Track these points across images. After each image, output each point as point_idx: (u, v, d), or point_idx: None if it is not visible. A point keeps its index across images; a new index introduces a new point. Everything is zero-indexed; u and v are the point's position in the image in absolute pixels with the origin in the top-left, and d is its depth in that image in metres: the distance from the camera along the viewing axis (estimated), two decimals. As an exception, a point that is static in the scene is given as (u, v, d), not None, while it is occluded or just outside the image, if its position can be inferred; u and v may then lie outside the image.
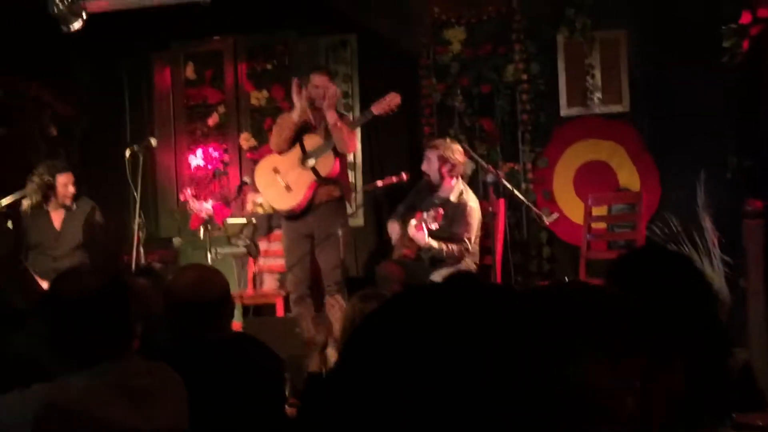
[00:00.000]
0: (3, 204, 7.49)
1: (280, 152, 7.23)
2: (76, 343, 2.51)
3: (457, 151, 7.11)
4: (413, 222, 6.84)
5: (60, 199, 7.46)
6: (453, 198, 7.08)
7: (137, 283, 4.10)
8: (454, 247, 6.92)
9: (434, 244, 6.85)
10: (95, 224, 7.50)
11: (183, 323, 3.29)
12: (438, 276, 6.78)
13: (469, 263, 7.06)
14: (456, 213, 7.01)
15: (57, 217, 7.50)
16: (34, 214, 7.47)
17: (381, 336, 1.49)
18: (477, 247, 7.17)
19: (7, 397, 2.44)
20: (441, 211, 6.73)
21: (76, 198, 7.53)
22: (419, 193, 7.28)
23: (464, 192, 7.14)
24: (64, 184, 7.44)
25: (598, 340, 1.50)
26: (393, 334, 1.47)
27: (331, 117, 6.99)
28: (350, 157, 8.26)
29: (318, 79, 7.15)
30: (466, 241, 6.96)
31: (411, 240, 6.95)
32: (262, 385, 3.35)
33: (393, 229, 7.28)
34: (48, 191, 7.41)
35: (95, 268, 4.44)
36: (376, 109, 7.11)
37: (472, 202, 7.10)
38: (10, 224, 7.45)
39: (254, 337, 3.63)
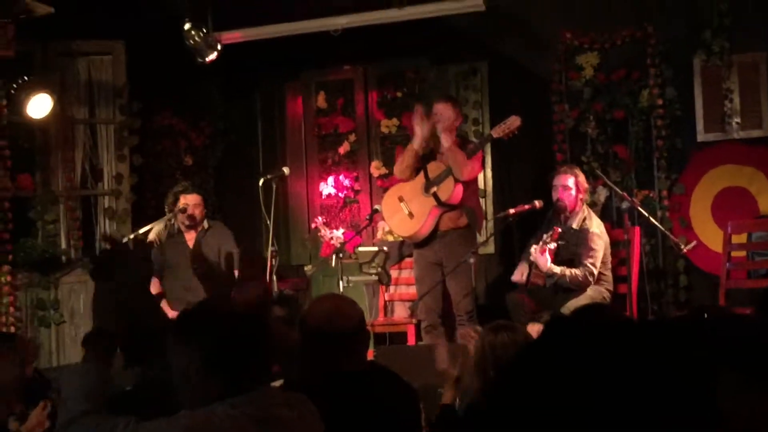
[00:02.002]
0: (141, 232, 7.66)
1: (403, 179, 7.30)
2: (223, 369, 2.50)
3: (584, 179, 7.14)
4: (535, 246, 6.77)
5: (186, 220, 7.58)
6: (575, 225, 7.00)
7: (274, 313, 4.14)
8: (577, 272, 6.81)
9: (556, 269, 6.78)
10: (229, 251, 7.60)
11: (319, 354, 3.26)
12: (571, 306, 6.68)
13: (601, 290, 6.93)
14: (578, 239, 6.94)
15: (191, 239, 7.65)
16: (169, 237, 7.63)
17: (531, 376, 1.47)
18: (610, 275, 7.04)
19: (154, 424, 2.46)
20: (558, 229, 6.67)
21: (210, 223, 7.65)
22: (548, 225, 7.19)
23: (587, 218, 7.06)
24: (192, 204, 7.56)
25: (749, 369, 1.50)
26: (544, 374, 1.45)
27: (445, 141, 6.99)
28: (481, 184, 8.22)
29: (438, 107, 7.15)
30: (589, 266, 6.83)
31: (540, 269, 6.87)
32: (398, 416, 3.32)
33: (520, 272, 7.20)
34: (179, 214, 7.54)
35: (232, 295, 4.47)
36: (496, 132, 7.08)
37: (595, 227, 7.02)
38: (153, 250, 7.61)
39: (387, 367, 3.60)
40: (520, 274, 7.19)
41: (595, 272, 6.87)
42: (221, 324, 2.52)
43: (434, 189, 7.05)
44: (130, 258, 4.01)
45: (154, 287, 7.46)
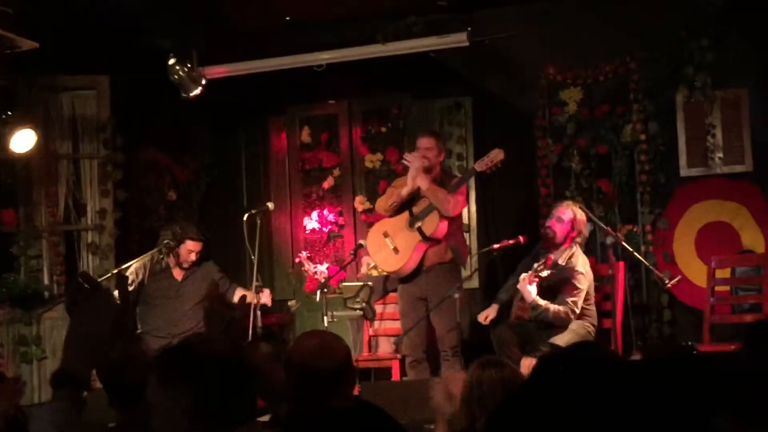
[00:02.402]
0: (123, 268, 7.63)
1: (383, 215, 7.32)
2: (203, 411, 2.48)
3: (584, 221, 7.12)
4: (524, 275, 6.76)
5: (181, 262, 7.61)
6: (561, 261, 6.99)
7: (258, 349, 4.11)
8: (560, 308, 6.81)
9: (541, 302, 6.77)
10: (217, 289, 7.58)
11: (304, 391, 3.23)
12: (558, 341, 6.68)
13: (585, 325, 6.93)
14: (563, 275, 6.92)
15: (179, 274, 7.66)
16: (156, 269, 7.64)
17: (525, 418, 1.46)
18: (594, 310, 7.05)
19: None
20: (552, 257, 6.67)
21: (200, 263, 7.65)
22: (533, 259, 7.18)
23: (574, 256, 7.04)
24: (189, 250, 7.58)
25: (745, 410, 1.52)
26: (538, 415, 1.45)
27: (422, 183, 6.97)
28: (465, 219, 8.22)
29: (421, 142, 7.17)
30: (571, 303, 6.84)
31: (524, 300, 6.87)
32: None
33: (484, 315, 7.22)
34: (173, 251, 7.54)
35: (216, 333, 4.45)
36: (479, 165, 7.08)
37: (581, 266, 7.01)
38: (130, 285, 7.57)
39: (374, 404, 3.57)
40: (483, 317, 7.20)
41: (577, 311, 6.88)
42: (206, 366, 2.50)
43: (419, 224, 7.04)
44: (102, 295, 3.98)
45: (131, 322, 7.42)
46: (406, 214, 7.16)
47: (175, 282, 7.62)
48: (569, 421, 1.41)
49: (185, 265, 7.61)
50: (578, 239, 7.11)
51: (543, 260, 6.68)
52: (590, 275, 7.04)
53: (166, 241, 7.58)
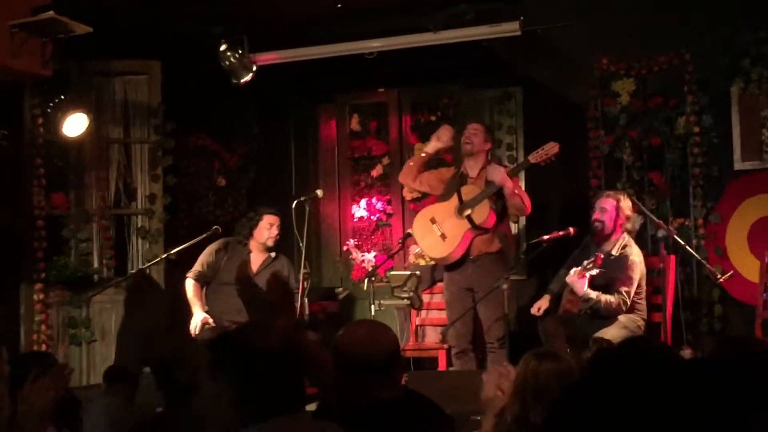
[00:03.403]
0: (173, 253, 7.67)
1: (406, 184, 7.60)
2: (255, 398, 2.48)
3: (629, 207, 6.97)
4: (574, 269, 6.69)
5: (262, 239, 7.51)
6: (615, 251, 6.91)
7: (307, 337, 4.11)
8: (611, 299, 6.70)
9: (592, 294, 6.65)
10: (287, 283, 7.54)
11: (353, 381, 3.22)
12: (606, 334, 6.61)
13: (635, 319, 6.84)
14: (617, 265, 6.84)
15: (256, 261, 7.56)
16: (234, 252, 7.55)
17: (579, 415, 1.45)
18: (644, 304, 6.95)
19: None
20: (600, 255, 6.59)
21: (276, 254, 7.58)
22: (583, 251, 7.12)
23: (628, 246, 6.95)
24: (270, 224, 7.49)
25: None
26: (592, 413, 1.43)
27: (504, 181, 6.95)
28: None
29: (470, 126, 7.24)
30: (624, 293, 6.74)
31: (574, 294, 6.80)
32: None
33: (537, 306, 7.15)
34: (252, 231, 7.50)
35: (269, 320, 4.45)
36: (534, 158, 7.05)
37: (635, 255, 6.90)
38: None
39: (422, 394, 3.55)
40: (536, 309, 7.13)
41: (629, 301, 6.79)
42: (258, 357, 2.49)
43: (468, 212, 7.01)
44: (155, 291, 4.00)
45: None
46: (454, 201, 7.13)
47: (251, 272, 7.51)
48: (629, 418, 1.40)
49: (270, 243, 7.48)
50: (627, 225, 7.00)
51: (593, 258, 6.60)
52: (643, 266, 6.93)
53: (253, 215, 7.54)
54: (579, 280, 6.64)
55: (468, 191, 7.11)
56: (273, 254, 7.54)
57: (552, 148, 6.98)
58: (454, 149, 7.67)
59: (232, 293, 7.41)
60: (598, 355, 1.70)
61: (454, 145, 7.46)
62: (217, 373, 2.45)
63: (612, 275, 6.80)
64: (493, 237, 7.09)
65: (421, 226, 7.30)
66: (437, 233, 7.14)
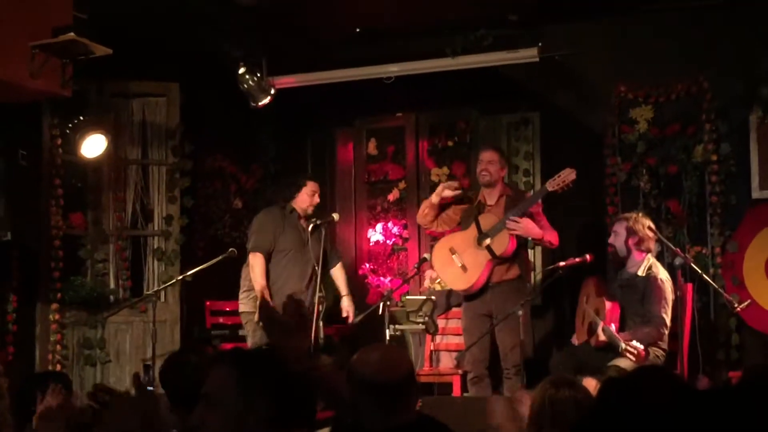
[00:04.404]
0: (189, 275, 7.67)
1: (425, 226, 7.55)
2: (261, 420, 2.43)
3: (646, 225, 6.87)
4: (604, 328, 6.50)
5: (304, 205, 7.53)
6: (641, 272, 6.80)
7: (321, 360, 4.09)
8: (646, 330, 6.54)
9: (636, 344, 6.35)
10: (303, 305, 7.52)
11: (368, 405, 3.21)
12: (622, 363, 6.48)
13: (654, 349, 6.70)
14: (646, 288, 6.72)
15: (305, 224, 7.54)
16: (283, 218, 7.54)
17: None
18: (667, 333, 6.75)
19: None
20: (643, 354, 6.40)
21: (319, 221, 7.56)
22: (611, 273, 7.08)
23: (653, 266, 6.82)
24: (312, 192, 7.51)
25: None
26: None
27: (530, 229, 6.98)
28: (530, 236, 8.15)
29: (484, 155, 7.25)
30: (662, 316, 6.59)
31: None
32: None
33: (576, 338, 7.05)
34: (294, 195, 7.52)
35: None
36: (551, 185, 7.03)
37: (662, 274, 6.76)
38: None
39: (436, 419, 3.53)
40: (576, 340, 7.02)
41: (668, 321, 6.63)
42: (287, 378, 2.45)
43: (488, 242, 7.00)
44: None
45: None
46: (473, 230, 7.12)
47: (305, 233, 7.47)
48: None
49: (310, 211, 7.50)
50: (643, 247, 6.89)
51: (635, 351, 6.29)
52: (670, 285, 6.75)
53: (299, 181, 7.57)
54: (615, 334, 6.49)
55: (486, 220, 7.10)
56: (315, 220, 7.53)
57: (569, 174, 6.96)
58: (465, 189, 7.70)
59: (291, 260, 7.44)
60: (607, 384, 1.68)
61: (462, 191, 7.47)
62: (248, 392, 2.38)
63: (646, 303, 6.67)
64: (512, 264, 7.09)
65: (440, 257, 7.29)
66: (458, 264, 7.12)
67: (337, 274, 7.72)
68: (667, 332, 6.66)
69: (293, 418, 2.42)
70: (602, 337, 6.51)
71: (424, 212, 7.44)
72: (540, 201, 7.20)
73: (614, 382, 1.71)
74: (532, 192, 7.79)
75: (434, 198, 7.38)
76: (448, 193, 7.34)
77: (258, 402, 2.36)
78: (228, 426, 2.41)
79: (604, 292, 6.84)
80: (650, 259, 6.87)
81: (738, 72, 7.68)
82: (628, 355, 6.28)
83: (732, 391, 1.69)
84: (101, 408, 3.47)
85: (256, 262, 7.40)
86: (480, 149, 7.56)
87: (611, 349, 6.52)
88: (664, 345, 6.74)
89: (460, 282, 7.16)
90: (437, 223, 7.43)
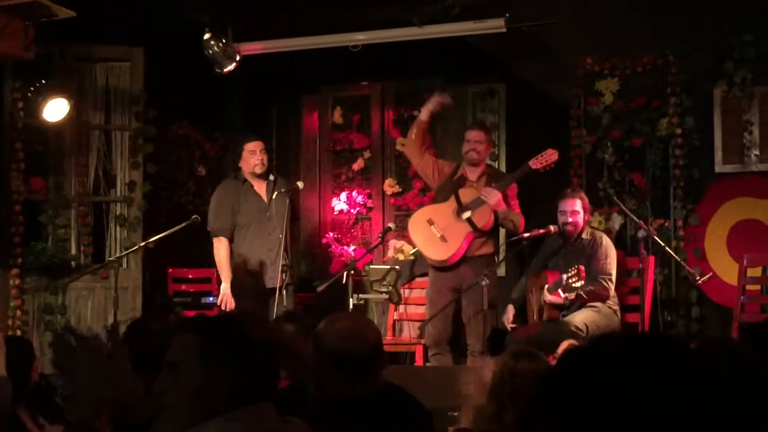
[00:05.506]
0: (151, 242, 7.61)
1: (412, 157, 7.56)
2: (223, 389, 2.37)
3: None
4: (548, 287, 6.66)
5: (249, 169, 7.33)
6: (585, 235, 6.98)
7: (284, 330, 4.07)
8: (593, 288, 6.66)
9: (572, 296, 6.61)
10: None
11: (333, 376, 3.19)
12: (574, 318, 6.59)
13: (611, 304, 6.81)
14: (592, 248, 6.90)
15: (261, 190, 7.38)
16: (238, 190, 7.38)
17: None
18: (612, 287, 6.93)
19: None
20: (582, 267, 6.52)
21: (275, 175, 7.44)
22: (549, 256, 7.13)
23: (596, 230, 7.10)
24: (251, 151, 7.34)
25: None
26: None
27: (497, 202, 6.97)
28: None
29: (471, 134, 7.19)
30: (611, 272, 6.78)
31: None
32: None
33: (507, 319, 7.12)
34: (238, 165, 7.45)
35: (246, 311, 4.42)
36: (534, 164, 7.06)
37: (605, 237, 7.00)
38: None
39: (401, 388, 3.51)
40: (509, 323, 7.09)
41: (614, 278, 6.80)
42: (251, 348, 2.41)
43: (468, 214, 6.99)
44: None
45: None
46: (452, 202, 7.11)
47: (264, 204, 7.32)
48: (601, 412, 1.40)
49: (258, 170, 7.27)
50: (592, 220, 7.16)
51: (574, 272, 6.52)
52: (613, 246, 7.00)
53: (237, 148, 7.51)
54: (555, 297, 6.63)
55: (466, 194, 7.10)
56: (271, 177, 7.38)
57: (552, 155, 7.02)
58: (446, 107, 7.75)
59: (255, 233, 7.29)
60: (566, 352, 1.70)
61: (447, 102, 7.52)
62: (209, 362, 2.35)
63: (592, 263, 6.78)
64: (489, 239, 7.12)
65: (418, 227, 7.27)
66: (437, 235, 7.10)
67: None
68: (612, 286, 6.82)
69: (256, 388, 2.39)
70: (549, 298, 6.69)
71: (411, 138, 7.44)
72: (516, 184, 7.19)
73: (572, 351, 1.72)
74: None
75: (423, 113, 7.38)
76: (436, 98, 7.37)
77: (220, 371, 2.33)
78: (191, 393, 2.38)
79: (544, 278, 6.93)
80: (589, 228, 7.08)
81: (704, 46, 7.71)
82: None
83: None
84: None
85: (220, 247, 7.29)
86: (468, 126, 7.55)
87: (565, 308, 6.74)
88: (614, 303, 6.83)
89: (439, 252, 7.12)
90: (421, 155, 7.43)
